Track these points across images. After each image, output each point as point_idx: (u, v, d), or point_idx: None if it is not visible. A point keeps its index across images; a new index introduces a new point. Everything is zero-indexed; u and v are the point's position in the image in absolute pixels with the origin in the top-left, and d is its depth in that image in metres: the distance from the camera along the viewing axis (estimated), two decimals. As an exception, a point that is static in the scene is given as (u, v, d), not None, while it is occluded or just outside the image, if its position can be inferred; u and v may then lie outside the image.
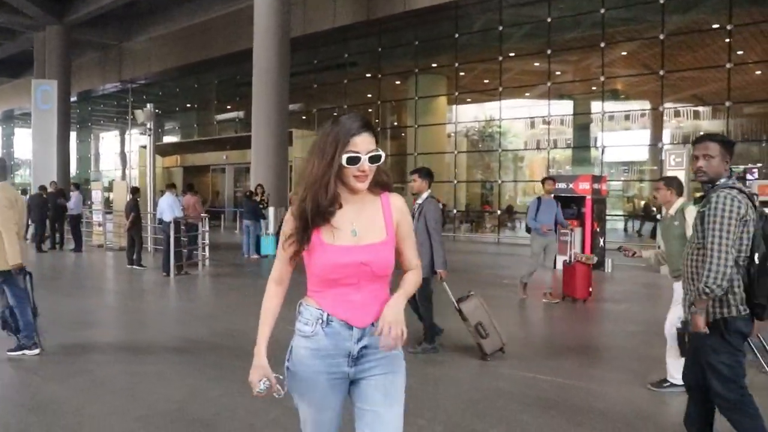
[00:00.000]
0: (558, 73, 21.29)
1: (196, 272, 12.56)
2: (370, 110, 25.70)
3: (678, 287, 4.83)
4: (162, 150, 32.37)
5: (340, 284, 2.16)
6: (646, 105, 19.89)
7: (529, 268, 9.56)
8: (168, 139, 35.95)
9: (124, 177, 35.11)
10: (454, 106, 23.62)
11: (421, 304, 6.19)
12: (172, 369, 5.64)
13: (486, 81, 22.66)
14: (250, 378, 2.19)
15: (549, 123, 21.21)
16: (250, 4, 21.23)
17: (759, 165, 16.51)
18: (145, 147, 25.26)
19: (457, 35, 22.62)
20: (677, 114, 19.58)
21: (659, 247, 5.83)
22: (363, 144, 2.10)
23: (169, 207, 12.11)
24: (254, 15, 20.73)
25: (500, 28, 21.50)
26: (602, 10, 19.31)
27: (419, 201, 6.22)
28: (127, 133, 38.75)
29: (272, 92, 20.42)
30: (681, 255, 3.76)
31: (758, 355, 5.39)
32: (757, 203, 3.36)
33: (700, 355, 3.42)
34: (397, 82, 25.52)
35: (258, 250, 15.40)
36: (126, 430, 4.19)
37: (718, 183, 3.35)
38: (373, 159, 2.13)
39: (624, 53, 20.16)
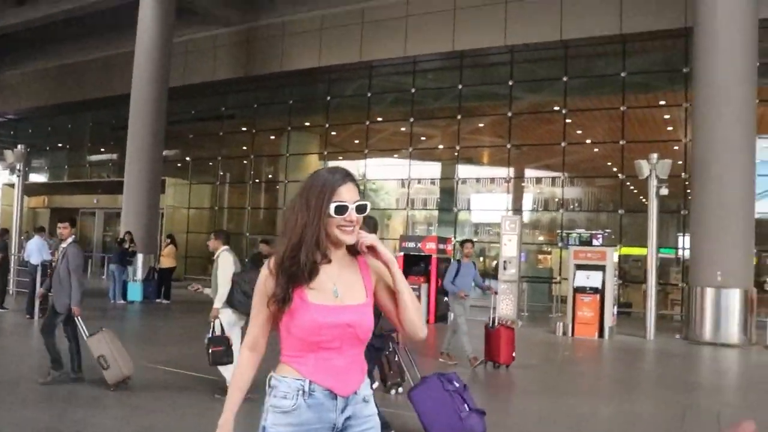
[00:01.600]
0: (423, 138, 23.28)
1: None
2: (245, 162, 26.66)
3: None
4: (28, 189, 31.47)
5: (322, 348, 2.05)
6: (496, 173, 22.03)
7: (463, 330, 9.02)
8: (35, 178, 35.03)
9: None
10: (323, 164, 25.04)
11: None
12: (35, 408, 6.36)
13: (356, 141, 24.22)
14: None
15: (408, 185, 22.84)
16: (131, 50, 21.82)
17: (605, 231, 18.69)
18: (10, 186, 24.78)
19: (329, 97, 24.22)
20: (523, 182, 21.92)
21: None
22: (348, 194, 2.07)
23: (37, 250, 12.53)
24: (134, 62, 21.36)
25: (369, 94, 23.30)
26: (460, 86, 21.53)
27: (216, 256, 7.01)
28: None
29: (147, 139, 20.98)
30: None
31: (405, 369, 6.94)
32: None
33: None
34: (272, 137, 26.62)
35: (124, 296, 15.82)
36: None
37: None
38: (360, 209, 2.08)
39: (479, 125, 22.45)
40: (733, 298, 13.15)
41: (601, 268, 13.22)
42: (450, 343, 9.29)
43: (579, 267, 13.50)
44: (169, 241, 17.40)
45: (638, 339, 13.36)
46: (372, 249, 2.12)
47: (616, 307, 14.00)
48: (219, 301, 6.57)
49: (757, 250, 17.33)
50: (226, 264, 6.66)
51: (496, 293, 9.78)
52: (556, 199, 20.83)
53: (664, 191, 13.66)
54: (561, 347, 12.25)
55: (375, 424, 2.15)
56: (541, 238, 22.10)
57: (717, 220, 13.26)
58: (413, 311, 2.15)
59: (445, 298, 9.77)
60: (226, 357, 6.35)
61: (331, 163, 24.92)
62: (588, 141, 21.15)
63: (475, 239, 22.44)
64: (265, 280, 2.09)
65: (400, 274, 2.16)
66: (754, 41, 13.50)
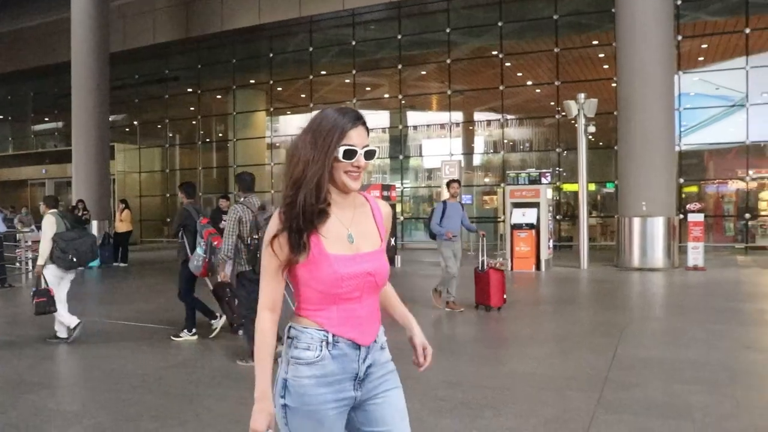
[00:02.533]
0: (368, 88, 23.72)
1: (20, 284, 13.30)
2: (193, 123, 26.79)
3: None
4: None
5: (344, 299, 1.97)
6: (440, 119, 22.65)
7: (448, 276, 8.96)
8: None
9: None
10: (269, 120, 25.36)
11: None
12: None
13: (302, 95, 24.52)
14: (256, 426, 1.93)
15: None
16: (67, 16, 21.60)
17: (550, 169, 19.49)
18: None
19: (271, 54, 24.40)
20: (467, 126, 22.61)
21: None
22: (359, 137, 1.97)
23: (-9, 222, 12.79)
24: (71, 28, 21.15)
25: (311, 48, 23.55)
26: (399, 36, 21.93)
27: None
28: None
29: (92, 106, 20.94)
30: None
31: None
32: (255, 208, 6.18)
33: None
34: (218, 97, 26.74)
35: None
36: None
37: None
38: (369, 154, 2.00)
39: (421, 73, 22.95)
40: (657, 226, 14.16)
41: (536, 205, 14.06)
42: (449, 290, 9.03)
43: (516, 205, 14.34)
44: (123, 206, 17.67)
45: (572, 269, 14.34)
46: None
47: (551, 241, 14.90)
48: (41, 258, 7.22)
49: (684, 180, 18.56)
50: (47, 226, 7.29)
51: (484, 235, 9.39)
52: (499, 141, 21.62)
53: (592, 129, 14.49)
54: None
55: (392, 368, 2.12)
56: (486, 180, 22.90)
57: (641, 153, 14.16)
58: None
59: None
60: (49, 307, 7.18)
61: (279, 119, 25.31)
62: (527, 83, 21.83)
63: (423, 185, 23.33)
64: (273, 230, 1.96)
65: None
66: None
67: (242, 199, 6.43)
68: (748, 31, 17.77)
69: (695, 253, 13.92)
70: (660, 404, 4.78)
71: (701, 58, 19.47)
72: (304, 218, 1.91)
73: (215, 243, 6.89)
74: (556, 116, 19.89)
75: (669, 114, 14.39)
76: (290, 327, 2.02)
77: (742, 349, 6.55)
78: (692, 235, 14.04)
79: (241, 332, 6.73)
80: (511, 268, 13.96)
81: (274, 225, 1.96)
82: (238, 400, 4.85)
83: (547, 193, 14.43)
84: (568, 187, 20.57)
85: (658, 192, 14.17)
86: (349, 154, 1.94)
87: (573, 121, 15.66)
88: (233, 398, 5.08)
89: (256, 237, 5.94)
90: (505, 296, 8.95)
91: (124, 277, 14.93)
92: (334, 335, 1.97)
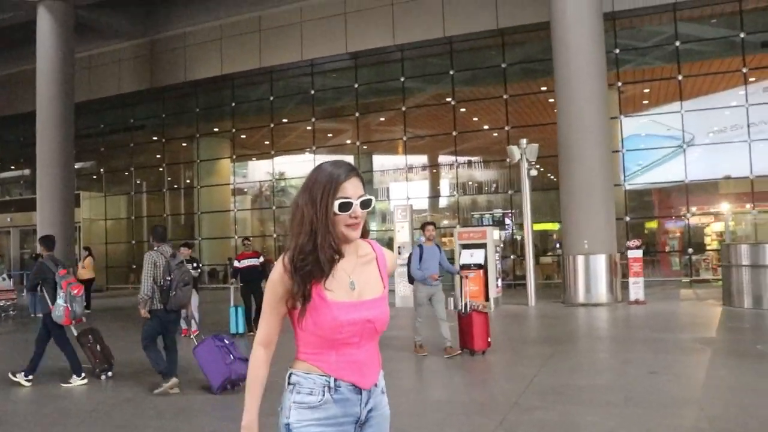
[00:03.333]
0: (330, 135, 24.52)
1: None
2: (159, 170, 27.28)
3: None
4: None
5: (342, 344, 2.04)
6: (396, 162, 23.44)
7: (417, 323, 8.90)
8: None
9: None
10: (233, 167, 26.01)
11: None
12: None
13: (266, 142, 25.19)
14: None
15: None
16: (32, 67, 22.18)
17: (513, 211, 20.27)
18: None
19: (233, 103, 25.17)
20: (421, 170, 23.47)
21: None
22: (353, 189, 2.04)
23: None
24: (37, 79, 21.68)
25: (272, 98, 24.36)
26: (356, 85, 22.86)
27: None
28: None
29: (57, 154, 21.38)
30: None
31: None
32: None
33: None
34: (184, 144, 27.31)
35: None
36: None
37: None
38: (365, 204, 2.06)
39: (379, 120, 23.83)
40: (600, 263, 14.91)
41: (483, 245, 14.76)
42: (419, 332, 8.91)
43: (464, 246, 15.03)
44: (86, 253, 18.03)
45: (521, 306, 15.01)
46: None
47: (500, 280, 15.57)
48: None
49: (630, 218, 19.50)
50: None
51: (467, 277, 9.27)
52: (453, 184, 22.44)
53: (534, 172, 15.32)
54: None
55: (388, 414, 2.21)
56: (445, 222, 23.65)
57: (581, 194, 14.99)
58: None
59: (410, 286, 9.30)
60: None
61: (243, 165, 25.95)
62: (481, 128, 22.76)
63: (383, 228, 23.95)
64: (280, 278, 2.03)
65: None
66: (600, 33, 15.30)
67: (156, 247, 7.32)
68: (680, 77, 18.96)
69: (636, 288, 14.67)
70: (553, 424, 5.40)
71: (645, 102, 20.63)
72: (317, 272, 1.99)
73: (74, 292, 7.51)
74: (507, 159, 20.77)
75: (606, 157, 15.28)
76: (291, 373, 2.08)
77: (646, 375, 7.20)
78: (632, 270, 14.81)
79: (110, 374, 7.92)
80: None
81: (278, 270, 2.04)
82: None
83: (493, 234, 15.13)
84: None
85: (598, 231, 14.97)
86: (345, 206, 2.01)
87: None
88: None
89: (169, 279, 7.04)
90: (489, 339, 8.68)
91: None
92: (335, 380, 2.03)
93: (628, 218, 19.57)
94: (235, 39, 23.45)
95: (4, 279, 15.51)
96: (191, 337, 8.21)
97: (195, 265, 11.20)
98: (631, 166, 19.94)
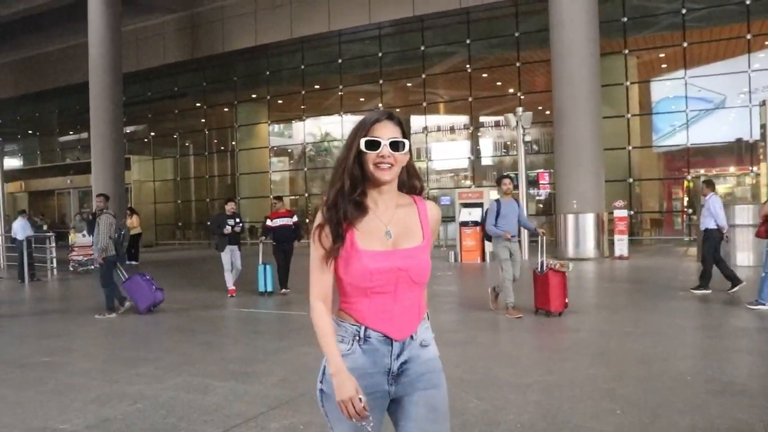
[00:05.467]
0: (361, 99, 26.20)
1: (46, 279, 15.93)
2: (200, 135, 29.47)
3: None
4: (6, 176, 34.04)
5: (376, 292, 2.02)
6: (418, 126, 25.00)
7: (505, 276, 8.32)
8: (9, 163, 37.46)
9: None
10: (268, 131, 27.98)
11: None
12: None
13: (303, 107, 26.95)
14: (342, 396, 1.95)
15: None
16: (85, 41, 24.37)
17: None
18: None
19: (268, 72, 27.04)
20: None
21: None
22: (383, 130, 2.02)
23: (22, 228, 15.45)
24: (89, 52, 23.88)
25: (302, 66, 26.11)
26: (379, 54, 24.44)
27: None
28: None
29: (108, 121, 23.63)
30: None
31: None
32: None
33: None
34: (225, 109, 29.30)
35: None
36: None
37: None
38: (394, 145, 2.01)
39: (406, 85, 25.40)
40: (588, 221, 16.35)
41: (480, 205, 16.32)
42: (506, 295, 8.39)
43: (464, 205, 16.63)
44: (129, 213, 20.29)
45: (515, 259, 16.55)
46: None
47: (496, 236, 17.10)
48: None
49: (634, 180, 20.75)
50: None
51: (544, 234, 8.62)
52: (471, 147, 23.92)
53: (528, 138, 16.74)
54: (449, 269, 15.36)
55: (433, 368, 2.14)
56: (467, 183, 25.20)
57: (572, 158, 16.38)
58: None
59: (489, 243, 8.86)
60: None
61: (276, 129, 27.90)
62: (495, 95, 24.04)
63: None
64: (318, 225, 2.05)
65: None
66: (594, 8, 16.45)
67: (106, 210, 9.74)
68: (685, 44, 19.96)
69: (620, 245, 16.10)
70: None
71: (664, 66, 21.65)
72: (340, 210, 2.00)
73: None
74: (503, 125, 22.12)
75: (596, 123, 16.57)
76: (333, 319, 2.07)
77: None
78: (617, 228, 16.25)
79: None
80: (460, 260, 16.26)
81: (318, 219, 2.06)
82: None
83: (489, 195, 16.65)
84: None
85: (587, 192, 16.37)
86: (372, 144, 1.99)
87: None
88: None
89: (119, 233, 9.64)
90: (567, 300, 8.23)
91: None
92: (366, 328, 2.03)
93: (631, 180, 20.81)
94: (267, 12, 25.22)
95: (84, 236, 17.31)
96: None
97: (237, 220, 11.28)
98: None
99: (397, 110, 25.34)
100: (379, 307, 2.04)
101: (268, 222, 11.49)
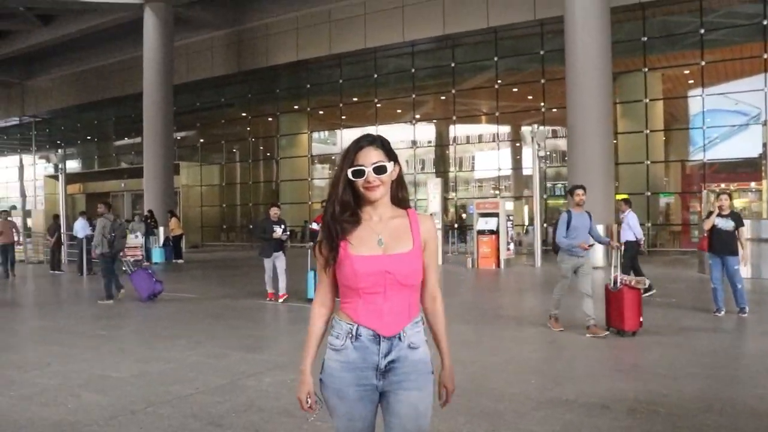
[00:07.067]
0: (399, 111, 27.68)
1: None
2: (245, 143, 31.37)
3: None
4: (66, 179, 36.53)
5: (367, 293, 2.24)
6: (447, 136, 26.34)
7: (557, 295, 8.04)
8: (70, 166, 40.00)
9: (24, 204, 38.14)
10: (308, 141, 29.70)
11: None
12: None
13: (343, 117, 28.55)
14: (298, 395, 2.33)
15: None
16: (140, 54, 26.51)
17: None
18: (52, 177, 29.76)
19: (308, 85, 28.78)
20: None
21: None
22: (366, 157, 2.24)
23: (81, 228, 17.31)
24: (144, 64, 26.01)
25: (340, 81, 27.77)
26: (413, 70, 25.91)
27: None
28: (29, 164, 42.44)
29: (160, 130, 25.71)
30: None
31: None
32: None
33: None
34: (269, 120, 31.06)
35: (148, 258, 20.61)
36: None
37: None
38: (378, 170, 2.23)
39: (428, 100, 26.80)
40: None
41: (496, 215, 17.52)
42: (558, 306, 8.08)
43: (481, 215, 17.86)
44: (170, 215, 22.08)
45: (528, 267, 17.72)
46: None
47: (511, 244, 18.24)
48: None
49: (651, 193, 21.71)
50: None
51: (617, 247, 8.34)
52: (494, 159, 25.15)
53: (542, 153, 17.91)
54: (464, 275, 16.60)
55: (422, 369, 2.31)
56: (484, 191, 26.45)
57: (584, 170, 17.38)
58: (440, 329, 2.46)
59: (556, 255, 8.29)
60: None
61: (315, 136, 29.67)
62: (522, 110, 25.26)
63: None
64: (318, 239, 2.32)
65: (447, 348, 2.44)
66: (607, 29, 17.55)
67: (104, 215, 11.54)
68: (703, 63, 20.89)
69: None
70: None
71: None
72: (334, 227, 2.26)
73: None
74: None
75: (607, 140, 17.66)
76: (332, 318, 2.35)
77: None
78: (625, 238, 17.23)
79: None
80: (477, 266, 17.47)
81: (320, 233, 2.33)
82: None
83: (505, 205, 17.85)
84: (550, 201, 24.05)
85: (597, 203, 17.37)
86: (357, 173, 2.24)
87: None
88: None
89: (112, 234, 11.41)
90: (641, 319, 7.70)
91: (180, 269, 19.27)
92: (358, 327, 2.26)
93: (648, 193, 21.77)
94: (308, 29, 26.95)
95: (136, 236, 18.82)
96: (279, 301, 10.89)
97: (283, 227, 11.09)
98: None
99: (429, 122, 26.84)
100: (369, 306, 2.25)
101: (314, 226, 11.30)
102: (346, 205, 2.28)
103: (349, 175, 2.24)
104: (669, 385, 5.56)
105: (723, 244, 9.04)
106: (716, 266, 9.13)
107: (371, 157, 2.25)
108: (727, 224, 9.03)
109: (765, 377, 5.86)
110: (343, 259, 2.25)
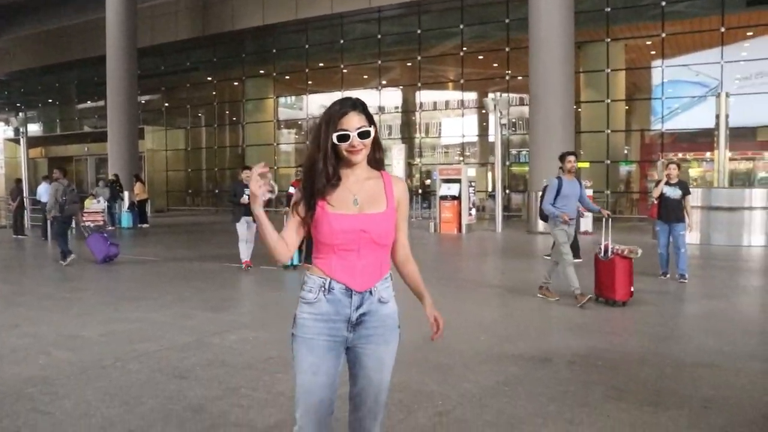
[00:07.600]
0: (364, 76, 27.71)
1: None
2: (210, 108, 31.16)
3: None
4: (28, 142, 35.94)
5: (341, 249, 2.32)
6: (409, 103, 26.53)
7: (566, 260, 7.54)
8: (31, 130, 39.26)
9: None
10: (274, 106, 29.65)
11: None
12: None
13: (310, 82, 28.61)
14: (254, 190, 2.26)
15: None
16: (102, 16, 26.08)
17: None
18: (11, 141, 29.30)
19: (274, 50, 28.62)
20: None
21: None
22: (350, 122, 2.28)
23: (45, 192, 17.18)
24: (106, 27, 25.61)
25: (307, 46, 27.66)
26: (379, 36, 25.93)
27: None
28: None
29: (123, 93, 25.46)
30: None
31: None
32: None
33: None
34: (235, 84, 30.93)
35: (113, 222, 20.58)
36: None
37: None
38: (362, 134, 2.30)
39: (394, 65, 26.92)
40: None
41: (459, 181, 17.85)
42: (551, 277, 7.95)
43: (444, 181, 18.18)
44: (135, 180, 21.99)
45: (488, 232, 18.14)
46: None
47: (473, 210, 18.62)
48: None
49: (610, 161, 22.24)
50: None
51: (609, 216, 7.92)
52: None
53: (504, 120, 18.24)
54: (427, 239, 16.95)
55: (390, 324, 2.44)
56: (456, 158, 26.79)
57: (544, 139, 17.82)
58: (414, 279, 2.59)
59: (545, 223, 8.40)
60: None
61: (281, 101, 29.62)
62: (487, 78, 25.52)
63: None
64: (296, 193, 2.39)
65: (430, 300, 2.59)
66: (570, 6, 17.82)
67: (59, 179, 11.96)
68: (664, 35, 21.33)
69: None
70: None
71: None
72: (312, 193, 2.33)
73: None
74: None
75: (568, 108, 18.04)
76: (304, 274, 2.43)
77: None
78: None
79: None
80: (439, 230, 17.85)
81: (296, 194, 2.41)
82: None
83: (467, 172, 18.18)
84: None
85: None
86: (342, 138, 2.29)
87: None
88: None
89: (64, 198, 11.77)
90: (632, 288, 7.57)
91: (145, 233, 19.32)
92: (331, 281, 2.34)
93: (608, 161, 22.31)
94: (273, -7, 26.75)
95: (98, 201, 18.75)
96: (242, 267, 10.58)
97: None
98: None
99: (395, 88, 26.98)
100: (344, 262, 2.34)
101: (291, 189, 10.91)
102: (329, 177, 2.33)
103: (334, 140, 2.29)
104: (612, 341, 6.07)
105: (670, 212, 9.46)
106: (663, 233, 9.61)
107: (354, 122, 2.30)
108: (675, 192, 9.44)
109: (697, 335, 6.34)
110: (320, 217, 2.33)
